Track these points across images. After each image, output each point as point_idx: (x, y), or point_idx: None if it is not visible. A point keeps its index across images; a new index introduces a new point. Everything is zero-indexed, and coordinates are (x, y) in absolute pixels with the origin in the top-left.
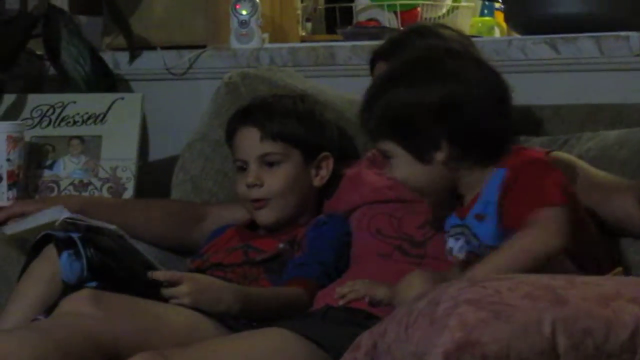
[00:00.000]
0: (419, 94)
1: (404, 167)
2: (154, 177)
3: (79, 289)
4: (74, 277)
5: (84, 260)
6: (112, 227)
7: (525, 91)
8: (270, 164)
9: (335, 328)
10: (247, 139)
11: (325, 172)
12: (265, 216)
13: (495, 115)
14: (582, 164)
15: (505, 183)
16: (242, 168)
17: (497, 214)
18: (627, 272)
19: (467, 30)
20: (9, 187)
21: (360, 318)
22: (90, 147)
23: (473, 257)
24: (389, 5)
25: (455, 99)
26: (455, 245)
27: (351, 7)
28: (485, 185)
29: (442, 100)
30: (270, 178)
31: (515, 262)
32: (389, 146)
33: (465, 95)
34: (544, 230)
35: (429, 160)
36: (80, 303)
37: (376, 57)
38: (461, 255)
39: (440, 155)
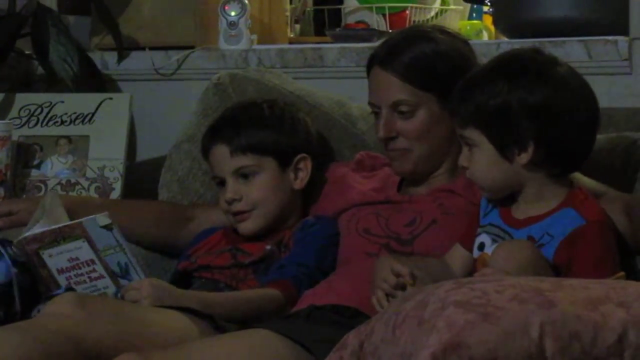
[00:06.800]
0: (523, 92)
1: (483, 159)
2: (141, 178)
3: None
4: (1, 275)
5: (7, 258)
6: (101, 215)
7: None
8: (246, 176)
9: (319, 328)
10: (219, 157)
11: (304, 174)
12: (247, 228)
13: (585, 130)
14: None
15: (576, 235)
16: (221, 184)
17: (554, 251)
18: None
19: None
20: None
21: (346, 317)
22: (77, 147)
23: None
24: (377, 8)
25: (556, 105)
26: (489, 243)
27: (340, 9)
28: (551, 217)
29: (544, 103)
30: (248, 190)
31: None
32: (476, 135)
33: (566, 104)
34: None
35: (510, 158)
36: (64, 305)
37: (372, 62)
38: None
39: (523, 157)
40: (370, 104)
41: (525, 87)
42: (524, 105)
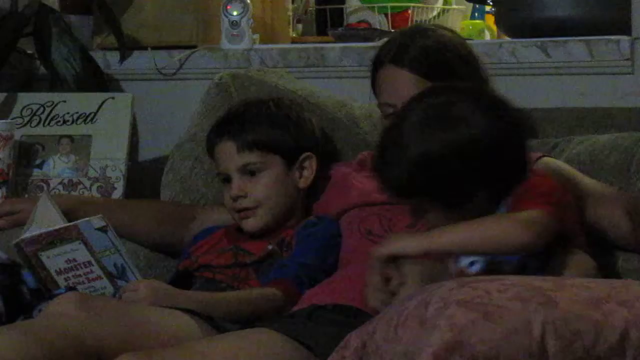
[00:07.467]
0: (446, 145)
1: (442, 220)
2: (143, 177)
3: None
4: None
5: None
6: (95, 217)
7: (516, 94)
8: (252, 173)
9: (321, 327)
10: (225, 153)
11: (309, 172)
12: (251, 225)
13: (517, 147)
14: (569, 170)
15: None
16: (226, 180)
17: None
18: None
19: None
20: None
21: (348, 317)
22: (80, 146)
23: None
24: (379, 7)
25: (478, 140)
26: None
27: (342, 9)
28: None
29: (468, 146)
30: (254, 187)
31: (474, 240)
32: (424, 202)
33: (489, 137)
34: (520, 225)
35: (466, 208)
36: (65, 305)
37: (382, 61)
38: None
39: (477, 203)
40: (383, 104)
41: (442, 142)
42: (456, 156)
